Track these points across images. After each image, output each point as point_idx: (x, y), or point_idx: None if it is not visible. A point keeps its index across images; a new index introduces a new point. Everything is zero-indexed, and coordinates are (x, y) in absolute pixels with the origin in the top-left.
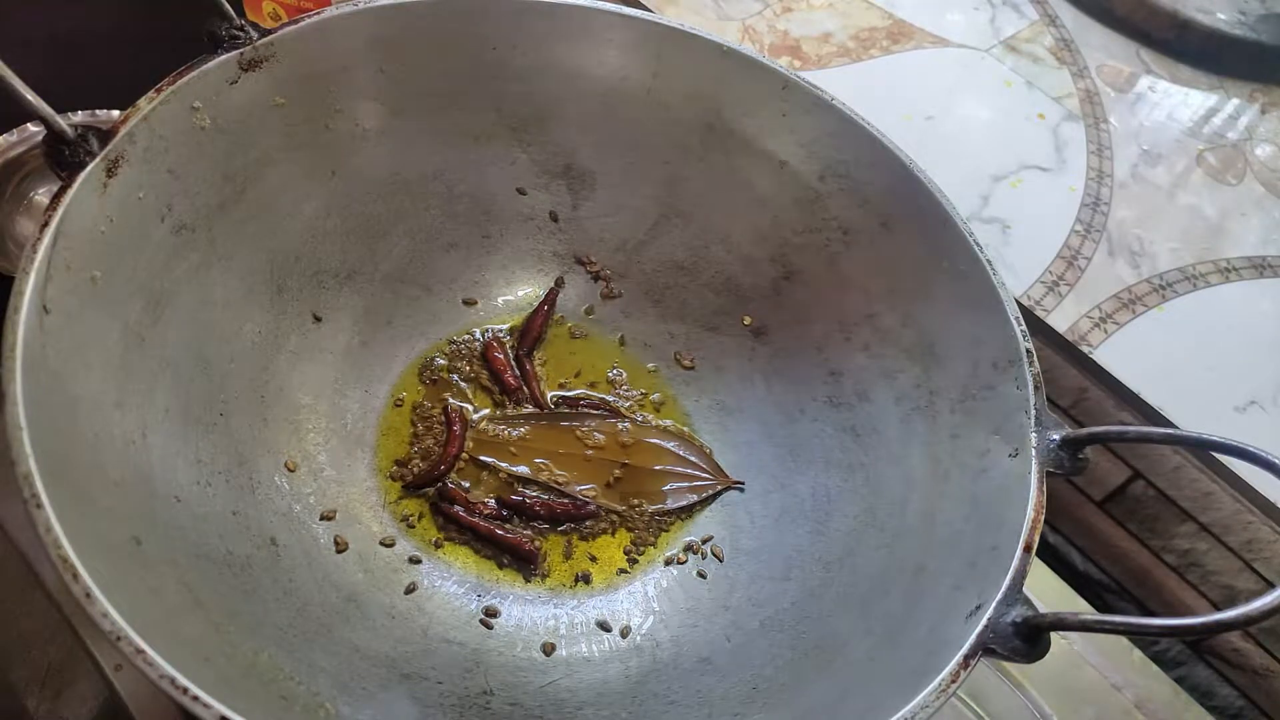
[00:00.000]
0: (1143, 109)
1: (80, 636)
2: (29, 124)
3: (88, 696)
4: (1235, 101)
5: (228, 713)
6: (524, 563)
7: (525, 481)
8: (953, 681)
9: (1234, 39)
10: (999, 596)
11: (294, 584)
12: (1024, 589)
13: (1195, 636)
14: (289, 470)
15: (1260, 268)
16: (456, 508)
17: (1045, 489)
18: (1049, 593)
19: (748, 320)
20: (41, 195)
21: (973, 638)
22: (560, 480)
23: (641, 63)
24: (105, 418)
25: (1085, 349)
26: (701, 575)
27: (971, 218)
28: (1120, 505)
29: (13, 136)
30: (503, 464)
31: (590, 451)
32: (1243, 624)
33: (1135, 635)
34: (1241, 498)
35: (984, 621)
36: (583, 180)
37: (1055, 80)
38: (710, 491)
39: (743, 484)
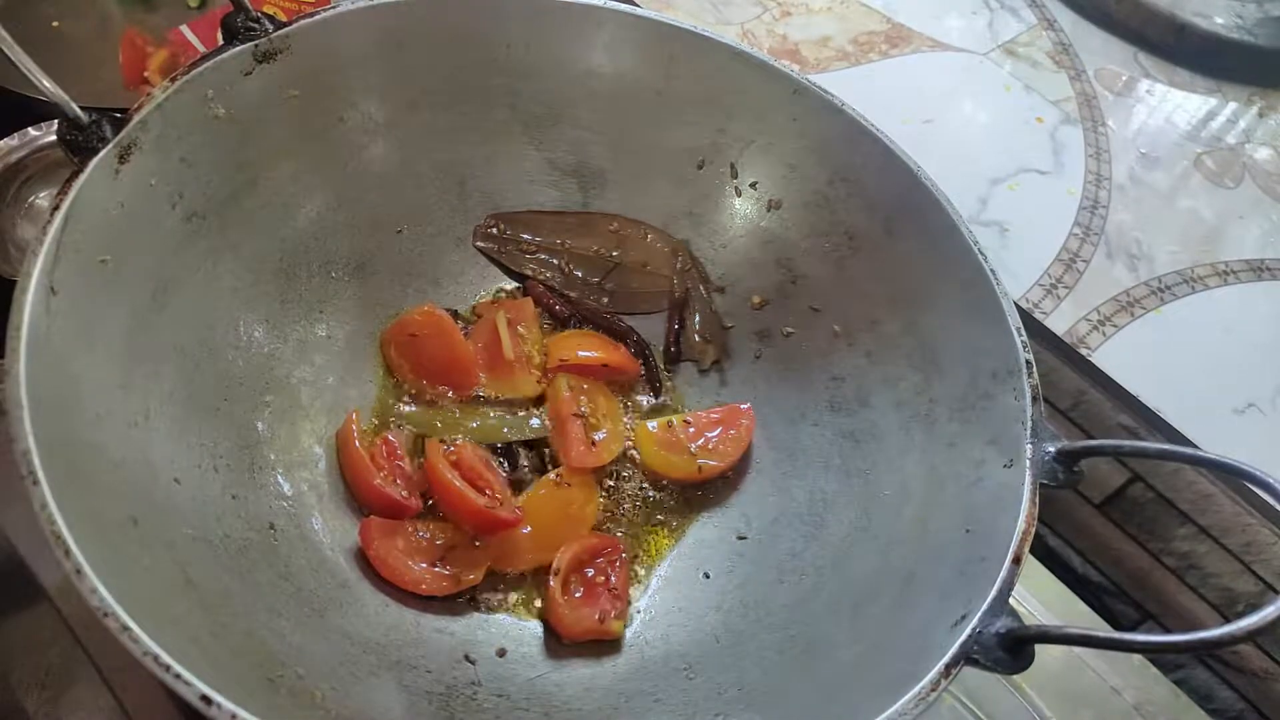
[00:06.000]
0: (1141, 112)
1: (80, 639)
2: (29, 128)
3: (87, 699)
4: (1233, 105)
5: (209, 692)
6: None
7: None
8: (933, 690)
9: (1231, 42)
10: (984, 607)
11: (290, 569)
12: (1016, 596)
13: (1181, 653)
14: (291, 457)
15: (1258, 270)
16: None
17: (1038, 501)
18: (1049, 595)
19: (750, 318)
20: (42, 199)
21: (955, 647)
22: None
23: (654, 63)
24: (108, 399)
25: (1084, 352)
26: (702, 575)
27: (970, 221)
28: (1119, 508)
29: (13, 140)
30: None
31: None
32: (1229, 642)
33: (1120, 651)
34: (1240, 500)
35: (967, 632)
36: (593, 179)
37: (1053, 84)
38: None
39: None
